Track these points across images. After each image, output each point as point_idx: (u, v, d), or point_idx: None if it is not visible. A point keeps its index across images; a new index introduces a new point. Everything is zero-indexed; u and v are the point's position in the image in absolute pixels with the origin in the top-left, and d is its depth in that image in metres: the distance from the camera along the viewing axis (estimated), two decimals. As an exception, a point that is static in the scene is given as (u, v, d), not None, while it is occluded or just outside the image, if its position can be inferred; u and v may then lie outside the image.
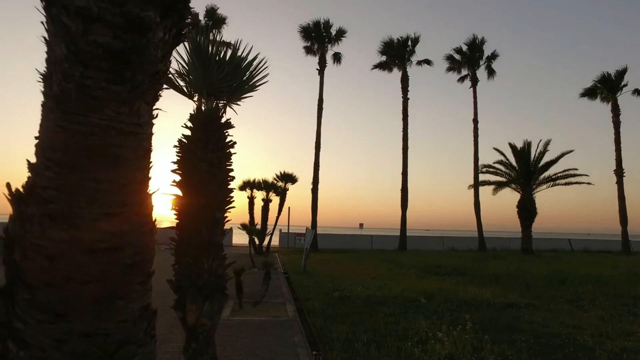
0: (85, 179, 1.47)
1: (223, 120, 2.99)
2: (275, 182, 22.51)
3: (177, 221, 2.84)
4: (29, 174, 1.50)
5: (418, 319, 6.88)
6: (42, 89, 1.53)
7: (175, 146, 2.94)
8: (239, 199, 22.72)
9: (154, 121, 1.72)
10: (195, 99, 3.07)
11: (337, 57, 28.90)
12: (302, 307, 8.05)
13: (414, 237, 29.81)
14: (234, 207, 2.98)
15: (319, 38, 28.10)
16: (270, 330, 6.35)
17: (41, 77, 1.54)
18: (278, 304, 8.42)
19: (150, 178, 1.70)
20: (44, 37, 1.52)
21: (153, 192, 1.71)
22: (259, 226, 21.45)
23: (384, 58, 30.00)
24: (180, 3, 1.65)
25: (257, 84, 3.18)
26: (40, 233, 1.43)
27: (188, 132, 2.94)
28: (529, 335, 6.09)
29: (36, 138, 1.54)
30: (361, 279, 11.76)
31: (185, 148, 2.86)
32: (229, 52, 3.02)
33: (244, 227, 18.50)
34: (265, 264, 9.42)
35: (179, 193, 2.84)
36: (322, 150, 27.11)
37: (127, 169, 1.55)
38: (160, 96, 1.73)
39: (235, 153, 2.97)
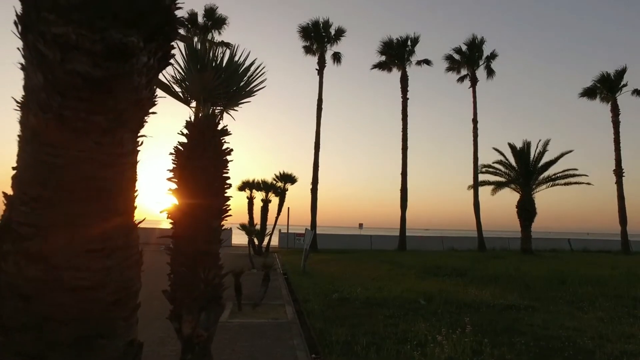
0: (64, 215, 1.38)
1: (220, 127, 2.95)
2: (275, 182, 22.48)
3: (173, 230, 2.80)
4: (5, 208, 1.42)
5: (417, 321, 6.85)
6: (19, 119, 1.44)
7: (171, 153, 2.89)
8: (239, 199, 22.71)
9: (155, 123, 1.66)
10: (192, 105, 3.03)
11: (336, 57, 28.88)
12: (302, 309, 8.03)
13: (413, 237, 29.81)
14: (230, 215, 2.94)
15: (318, 38, 28.07)
16: (270, 332, 6.32)
17: (18, 105, 1.45)
18: (277, 306, 8.40)
19: (135, 207, 1.62)
20: (21, 64, 1.43)
21: (139, 222, 1.63)
22: (258, 226, 21.43)
23: (383, 58, 29.98)
24: (167, 25, 1.57)
25: (255, 90, 3.14)
26: (15, 272, 1.34)
27: (184, 139, 2.89)
28: (529, 338, 6.07)
29: (14, 169, 1.44)
30: (361, 280, 11.74)
31: (181, 156, 2.82)
32: (226, 58, 2.98)
33: (243, 227, 18.48)
34: (265, 266, 9.40)
35: (175, 201, 2.80)
36: (322, 150, 27.12)
37: (109, 200, 1.47)
38: (147, 122, 1.65)
39: (232, 160, 2.93)
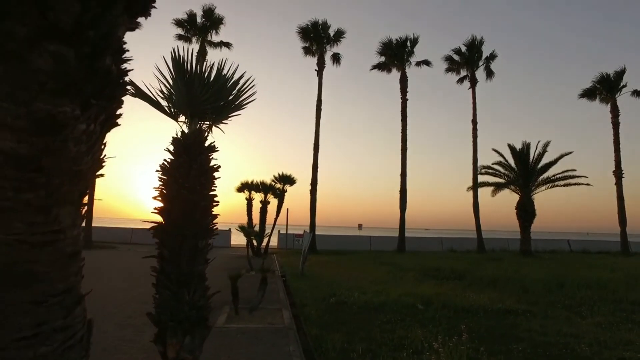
0: None
1: (207, 142, 2.88)
2: (274, 183, 22.44)
3: (158, 250, 2.74)
4: None
5: (414, 327, 6.82)
6: None
7: (157, 171, 2.82)
8: (238, 199, 22.69)
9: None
10: (180, 119, 2.97)
11: (336, 58, 28.87)
12: (299, 314, 7.99)
13: (413, 238, 29.78)
14: (217, 234, 2.88)
15: (318, 39, 28.04)
16: (266, 338, 6.29)
17: None
18: (274, 310, 8.36)
19: (81, 277, 1.47)
20: None
21: (87, 293, 1.47)
22: (257, 227, 21.39)
23: (382, 59, 29.96)
24: (107, 87, 1.39)
25: (245, 103, 3.09)
26: None
27: (170, 156, 2.82)
28: (526, 345, 6.03)
29: None
30: (359, 283, 11.71)
31: (167, 174, 2.75)
32: (214, 72, 2.92)
33: (241, 228, 18.44)
34: (262, 270, 9.36)
35: (161, 220, 2.74)
36: (321, 151, 27.11)
37: (44, 284, 1.31)
38: (88, 193, 1.50)
39: (219, 178, 2.87)
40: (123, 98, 1.51)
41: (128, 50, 1.49)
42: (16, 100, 1.21)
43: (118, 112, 1.50)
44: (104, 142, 1.50)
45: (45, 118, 1.24)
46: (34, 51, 1.21)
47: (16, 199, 1.25)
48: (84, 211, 1.50)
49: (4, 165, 1.23)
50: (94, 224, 24.65)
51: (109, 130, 1.51)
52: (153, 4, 1.50)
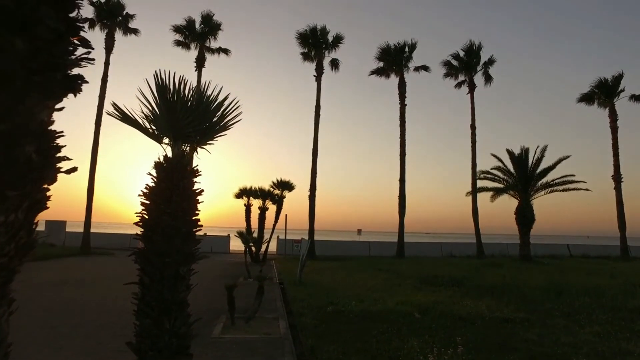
0: None
1: (191, 166, 2.85)
2: (272, 189, 22.40)
3: (139, 277, 2.70)
4: None
5: (410, 337, 6.77)
6: None
7: (139, 195, 2.79)
8: (236, 205, 22.64)
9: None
10: (165, 141, 2.93)
11: (334, 63, 28.90)
12: (295, 323, 7.94)
13: (412, 243, 29.68)
14: (201, 258, 2.85)
15: (316, 44, 28.10)
16: (261, 349, 6.24)
17: None
18: (271, 320, 8.31)
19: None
20: None
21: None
22: (255, 233, 21.33)
23: (381, 64, 30.00)
24: (30, 173, 1.33)
25: (229, 124, 3.06)
26: None
27: (152, 181, 2.79)
28: (523, 355, 5.99)
29: None
30: (356, 291, 11.65)
31: (149, 199, 2.71)
32: (197, 95, 2.88)
33: (240, 235, 18.39)
34: (259, 278, 9.31)
35: (142, 246, 2.71)
36: (320, 156, 27.10)
37: None
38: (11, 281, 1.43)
39: (202, 202, 2.84)
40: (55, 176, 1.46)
41: (59, 132, 1.43)
42: None
43: (47, 194, 1.45)
44: (34, 224, 1.44)
45: None
46: None
47: None
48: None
49: None
50: (92, 230, 24.64)
51: (36, 215, 1.45)
52: (83, 81, 1.47)
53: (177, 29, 28.68)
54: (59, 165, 1.48)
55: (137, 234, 2.75)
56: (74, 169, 1.50)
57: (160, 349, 2.54)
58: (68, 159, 1.46)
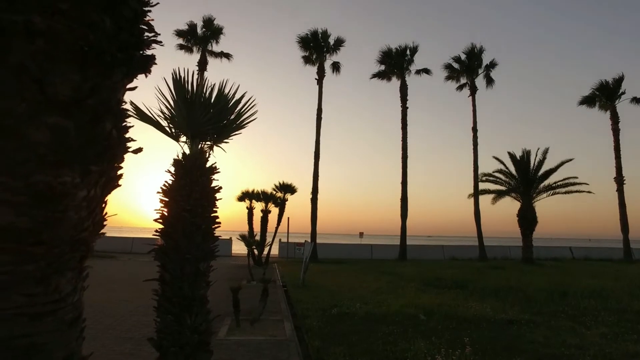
0: None
1: (209, 163, 2.86)
2: (275, 192, 22.40)
3: (160, 274, 2.71)
4: None
5: (417, 339, 6.75)
6: None
7: (158, 192, 2.80)
8: (239, 208, 22.66)
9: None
10: (182, 140, 2.95)
11: (335, 67, 28.99)
12: (300, 325, 7.93)
13: (414, 246, 29.66)
14: (218, 255, 2.85)
15: (318, 48, 28.19)
16: (267, 351, 6.23)
17: None
18: (276, 322, 8.29)
19: (79, 346, 1.42)
20: None
21: (87, 355, 1.43)
22: (258, 236, 21.31)
23: (382, 67, 30.10)
24: (108, 151, 1.36)
25: (245, 123, 3.08)
26: None
27: (171, 178, 2.80)
28: (530, 357, 5.97)
29: None
30: (360, 293, 11.63)
31: (168, 196, 2.73)
32: (215, 92, 2.90)
33: (242, 238, 18.37)
34: (263, 280, 9.31)
35: (162, 242, 2.72)
36: (322, 159, 27.16)
37: (43, 354, 1.26)
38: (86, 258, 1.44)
39: (221, 199, 2.86)
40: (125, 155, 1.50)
41: (127, 111, 1.48)
42: (14, 174, 1.17)
43: (119, 172, 1.48)
44: (105, 202, 1.47)
45: (45, 190, 1.21)
46: (32, 126, 1.18)
47: (15, 272, 1.21)
48: (84, 273, 1.48)
49: (2, 239, 1.18)
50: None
51: (110, 192, 1.48)
52: (154, 62, 1.51)
53: (179, 33, 28.80)
54: (127, 144, 1.50)
55: (156, 231, 2.76)
56: (140, 149, 1.52)
57: (182, 345, 2.55)
58: (133, 140, 1.49)
